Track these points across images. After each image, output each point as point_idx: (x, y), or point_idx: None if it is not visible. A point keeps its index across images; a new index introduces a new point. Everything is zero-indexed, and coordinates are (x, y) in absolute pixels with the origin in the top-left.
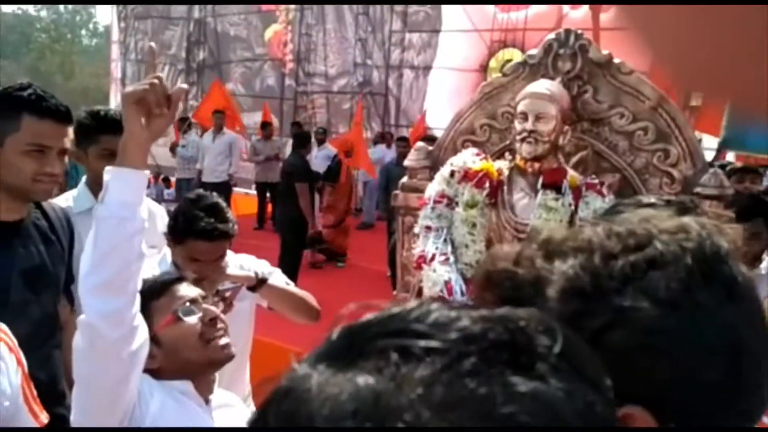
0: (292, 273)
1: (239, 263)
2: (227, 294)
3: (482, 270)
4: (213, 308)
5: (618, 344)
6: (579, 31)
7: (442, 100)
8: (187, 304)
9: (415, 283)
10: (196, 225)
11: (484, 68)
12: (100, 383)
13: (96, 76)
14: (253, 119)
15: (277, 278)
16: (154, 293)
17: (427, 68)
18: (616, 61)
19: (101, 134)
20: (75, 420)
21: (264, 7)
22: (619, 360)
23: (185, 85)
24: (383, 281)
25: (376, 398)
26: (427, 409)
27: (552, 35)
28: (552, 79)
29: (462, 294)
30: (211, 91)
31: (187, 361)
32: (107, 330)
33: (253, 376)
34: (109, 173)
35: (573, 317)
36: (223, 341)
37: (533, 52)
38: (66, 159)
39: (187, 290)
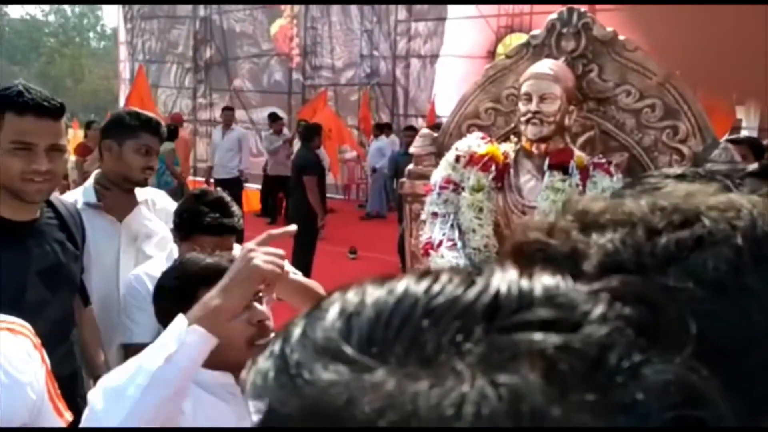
0: (305, 267)
1: None
2: (265, 300)
3: (512, 240)
4: (263, 309)
5: None
6: (582, 9)
7: (450, 88)
8: None
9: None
10: (201, 220)
11: (492, 54)
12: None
13: (105, 78)
14: (261, 115)
15: (286, 268)
16: (205, 279)
17: (435, 57)
18: (621, 38)
19: (142, 131)
20: None
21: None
22: None
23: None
24: (396, 272)
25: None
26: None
27: (555, 14)
28: (556, 59)
29: None
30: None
31: (229, 359)
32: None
33: None
34: (186, 330)
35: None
36: (267, 341)
37: (536, 32)
38: (71, 156)
39: None
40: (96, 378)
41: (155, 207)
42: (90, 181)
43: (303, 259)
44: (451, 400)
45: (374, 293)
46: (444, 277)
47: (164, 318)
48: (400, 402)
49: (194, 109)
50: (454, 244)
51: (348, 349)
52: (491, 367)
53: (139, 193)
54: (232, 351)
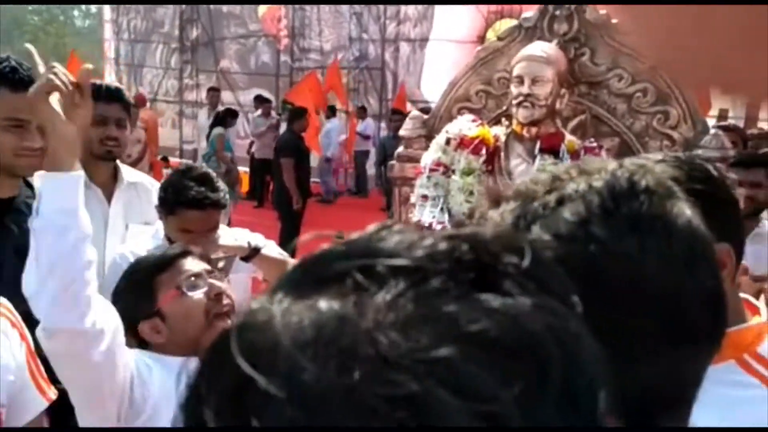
0: (291, 250)
1: (233, 236)
2: (220, 264)
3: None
4: (219, 283)
5: None
6: None
7: (439, 73)
8: (192, 278)
9: None
10: (186, 194)
11: (481, 39)
12: (79, 387)
13: (90, 58)
14: (248, 97)
15: (271, 249)
16: (159, 267)
17: (424, 41)
18: (614, 21)
19: (94, 100)
20: (78, 413)
21: None
22: None
23: (90, 65)
24: None
25: (340, 321)
26: (394, 330)
27: None
28: (548, 41)
29: None
30: None
31: (191, 338)
32: (68, 343)
33: None
34: (40, 179)
35: None
36: (229, 324)
37: (528, 14)
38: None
39: (192, 264)
40: None
41: (139, 188)
42: None
43: (289, 242)
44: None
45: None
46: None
47: (129, 321)
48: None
49: (180, 89)
50: (444, 228)
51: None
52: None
53: (128, 174)
54: (193, 325)
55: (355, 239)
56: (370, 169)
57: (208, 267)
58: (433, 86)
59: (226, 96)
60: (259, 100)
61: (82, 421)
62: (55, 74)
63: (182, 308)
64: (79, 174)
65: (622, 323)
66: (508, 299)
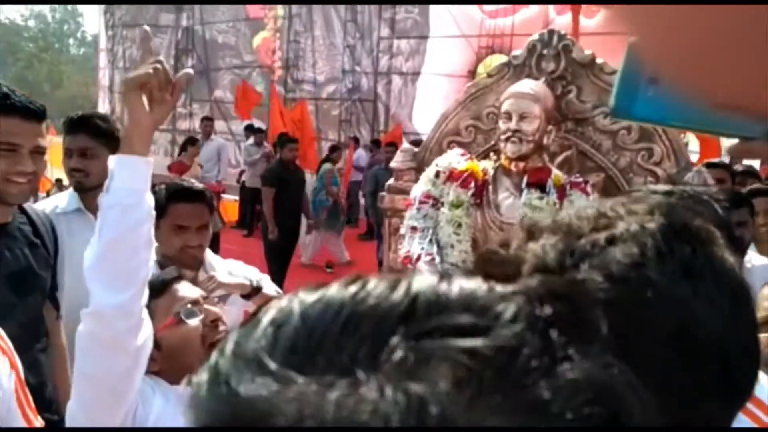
0: (278, 279)
1: (228, 269)
2: (215, 301)
3: (478, 252)
4: (215, 309)
5: None
6: (562, 32)
7: (431, 106)
8: (189, 305)
9: None
10: (173, 188)
11: (472, 74)
12: (104, 378)
13: (84, 85)
14: (241, 126)
15: (268, 286)
16: (154, 292)
17: (416, 74)
18: (599, 61)
19: (66, 133)
20: (73, 417)
21: (252, 14)
22: None
23: (191, 70)
24: None
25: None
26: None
27: (536, 35)
28: (536, 79)
29: None
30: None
31: (188, 365)
32: (115, 322)
33: None
34: (114, 161)
35: None
36: (220, 337)
37: (517, 52)
38: (46, 158)
39: (188, 290)
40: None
41: None
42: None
43: (276, 272)
44: (363, 409)
45: (304, 301)
46: (371, 283)
47: None
48: (316, 411)
49: (174, 118)
50: (433, 259)
51: (271, 363)
52: (403, 375)
53: None
54: (189, 353)
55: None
56: (362, 198)
57: (203, 292)
58: (424, 119)
59: (219, 125)
60: (250, 130)
61: None
62: (156, 70)
63: (179, 336)
64: (150, 160)
65: (670, 366)
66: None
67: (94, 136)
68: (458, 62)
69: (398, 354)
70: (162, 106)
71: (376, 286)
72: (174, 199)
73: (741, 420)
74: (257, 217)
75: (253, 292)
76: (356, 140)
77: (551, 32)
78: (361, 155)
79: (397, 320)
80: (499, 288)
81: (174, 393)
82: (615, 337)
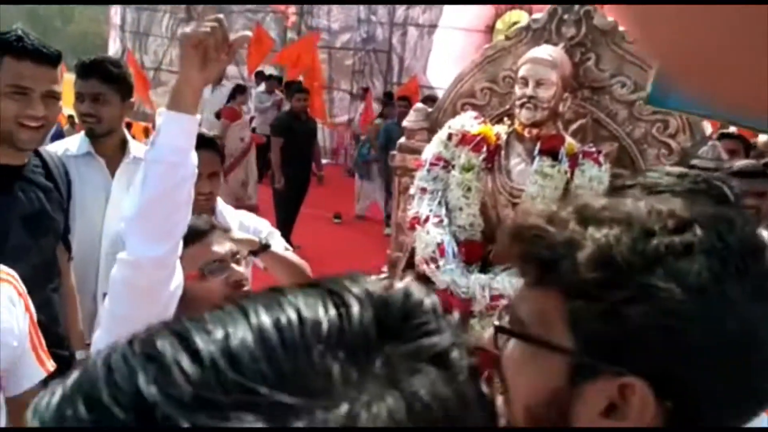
0: (286, 230)
1: (239, 220)
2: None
3: (512, 223)
4: (240, 269)
5: (637, 319)
6: None
7: (446, 60)
8: (216, 263)
9: (409, 244)
10: None
11: (490, 29)
12: (135, 321)
13: (96, 22)
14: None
15: (277, 243)
16: (185, 240)
17: (433, 26)
18: (621, 29)
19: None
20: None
21: None
22: (634, 334)
23: (249, 32)
24: (379, 239)
25: None
26: None
27: None
28: (555, 44)
29: (454, 256)
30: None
31: None
32: (151, 271)
33: None
34: (162, 116)
35: (596, 285)
36: None
37: (537, 16)
38: (60, 103)
39: (218, 245)
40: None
41: None
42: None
43: (284, 222)
44: None
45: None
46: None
47: None
48: None
49: None
50: (441, 221)
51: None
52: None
53: (137, 149)
54: (209, 306)
55: None
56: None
57: (234, 248)
58: (439, 72)
59: (231, 70)
60: (261, 76)
61: None
62: (214, 29)
63: (201, 290)
64: (197, 119)
65: (732, 376)
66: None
67: (105, 81)
68: (476, 16)
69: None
70: (215, 64)
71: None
72: None
73: None
74: (267, 165)
75: (261, 249)
76: (366, 91)
77: None
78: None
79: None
80: None
81: None
82: (687, 346)
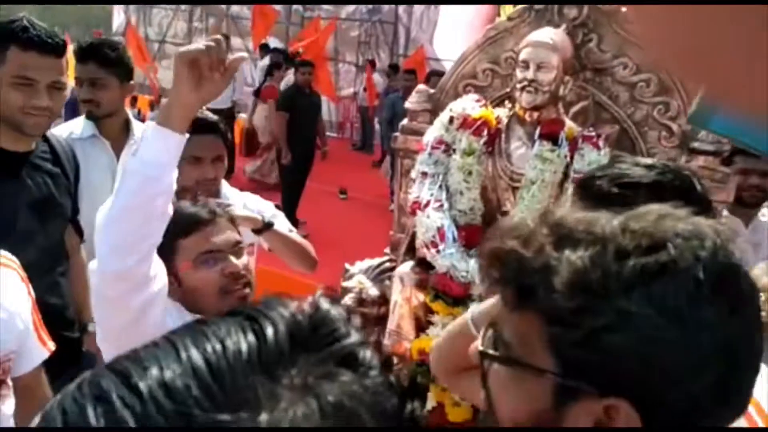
0: (290, 204)
1: (243, 201)
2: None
3: (490, 245)
4: (237, 261)
5: (616, 346)
6: None
7: (452, 31)
8: (207, 255)
9: (411, 226)
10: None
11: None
12: (111, 327)
13: None
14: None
15: (281, 223)
16: (184, 230)
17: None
18: (624, 10)
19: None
20: (103, 350)
21: None
22: (614, 360)
23: (245, 54)
24: (384, 215)
25: None
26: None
27: None
28: (557, 25)
29: (454, 240)
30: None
31: (203, 307)
32: (114, 284)
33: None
34: (149, 128)
35: (574, 312)
36: (241, 294)
37: None
38: (67, 93)
39: (217, 236)
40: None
41: None
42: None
43: (288, 196)
44: None
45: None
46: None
47: None
48: None
49: (189, 32)
50: (441, 205)
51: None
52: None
53: (140, 130)
54: (205, 298)
55: None
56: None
57: (235, 238)
58: (445, 43)
59: (236, 42)
60: (266, 49)
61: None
62: (209, 48)
63: (195, 281)
64: (183, 138)
65: (714, 392)
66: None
67: (102, 66)
68: None
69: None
70: (210, 84)
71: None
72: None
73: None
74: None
75: (264, 227)
76: (372, 63)
77: None
78: (377, 80)
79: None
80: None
81: (192, 320)
82: (662, 372)
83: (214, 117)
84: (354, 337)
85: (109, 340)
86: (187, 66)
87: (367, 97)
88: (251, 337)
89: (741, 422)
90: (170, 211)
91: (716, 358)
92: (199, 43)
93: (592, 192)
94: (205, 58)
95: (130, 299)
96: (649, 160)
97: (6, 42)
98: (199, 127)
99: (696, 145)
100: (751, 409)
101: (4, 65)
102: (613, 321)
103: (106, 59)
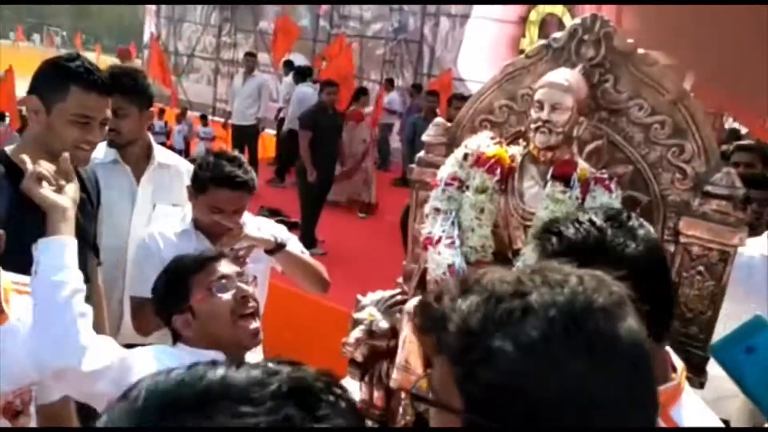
0: (309, 223)
1: (257, 225)
2: (241, 252)
3: (421, 298)
4: (246, 286)
5: (486, 379)
6: (605, 18)
7: (477, 52)
8: (222, 280)
9: (423, 259)
10: (219, 172)
11: (523, 20)
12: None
13: (132, 9)
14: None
15: (294, 245)
16: (196, 268)
17: (465, 17)
18: (641, 51)
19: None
20: None
21: None
22: (487, 391)
23: (66, 155)
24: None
25: None
26: None
27: (578, 20)
28: (574, 65)
29: None
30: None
31: (217, 336)
32: (71, 382)
33: (266, 317)
34: (37, 247)
35: (460, 351)
36: (253, 326)
37: (558, 35)
38: (106, 128)
39: (224, 267)
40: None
41: (171, 171)
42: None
43: (307, 215)
44: None
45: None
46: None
47: (164, 313)
48: None
49: (218, 47)
50: (452, 242)
51: None
52: None
53: (161, 156)
54: (219, 323)
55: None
56: (394, 143)
57: (239, 270)
58: (470, 64)
59: (263, 57)
60: (290, 66)
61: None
62: (41, 165)
63: (211, 307)
64: (71, 240)
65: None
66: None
67: (123, 95)
68: (509, 7)
69: None
70: (65, 188)
71: None
72: (216, 184)
73: None
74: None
75: (276, 248)
76: (390, 82)
77: (594, 17)
78: (395, 99)
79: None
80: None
81: (205, 357)
82: (525, 407)
83: (245, 176)
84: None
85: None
86: (37, 187)
87: (371, 122)
88: None
89: None
90: (86, 309)
91: (568, 394)
92: (29, 171)
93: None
94: (42, 176)
95: (95, 388)
96: (612, 210)
97: (66, 80)
98: (228, 183)
99: (709, 188)
100: None
101: (64, 103)
102: (483, 356)
103: (126, 89)
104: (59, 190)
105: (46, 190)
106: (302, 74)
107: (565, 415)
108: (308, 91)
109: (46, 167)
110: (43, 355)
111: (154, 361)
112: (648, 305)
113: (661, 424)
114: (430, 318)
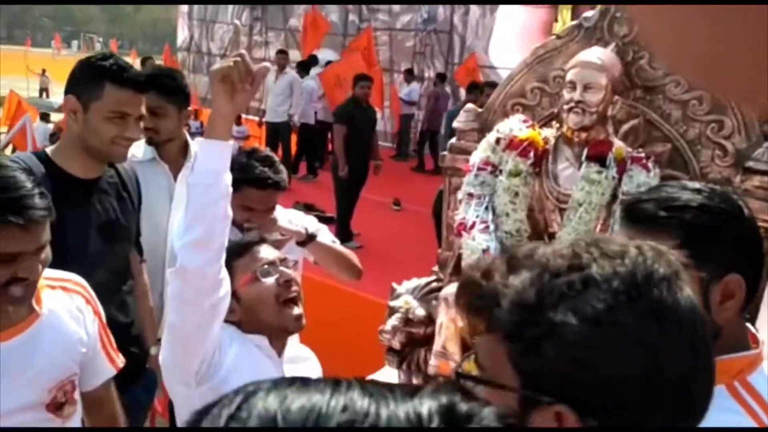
0: (344, 215)
1: (288, 218)
2: (290, 265)
3: (464, 276)
4: (289, 271)
5: (550, 353)
6: None
7: (509, 39)
8: (266, 266)
9: (458, 246)
10: (251, 173)
11: (555, 4)
12: (183, 328)
13: (165, 9)
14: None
15: (325, 236)
16: (238, 252)
17: (494, 5)
18: None
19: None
20: (163, 359)
21: None
22: (551, 366)
23: (268, 64)
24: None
25: None
26: None
27: None
28: (607, 43)
29: None
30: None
31: (262, 320)
32: (192, 281)
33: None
34: (198, 144)
35: (517, 326)
36: (296, 311)
37: (589, 14)
38: (141, 124)
39: (267, 252)
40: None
41: None
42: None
43: (342, 207)
44: None
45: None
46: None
47: None
48: None
49: (249, 46)
50: (486, 227)
51: None
52: None
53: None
54: (264, 308)
55: None
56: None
57: (281, 255)
58: (501, 51)
59: (294, 55)
60: (313, 61)
61: (167, 374)
62: (236, 63)
63: (255, 292)
64: (229, 144)
65: (642, 402)
66: None
67: (162, 95)
68: None
69: None
70: (242, 94)
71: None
72: (248, 183)
73: (736, 410)
74: (325, 151)
75: (308, 239)
76: (410, 72)
77: None
78: (414, 89)
79: None
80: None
81: (250, 342)
82: (591, 379)
83: (277, 177)
84: None
85: (177, 345)
86: (220, 81)
87: (391, 107)
88: None
89: (749, 422)
90: (230, 213)
91: (637, 360)
92: (227, 61)
93: (639, 215)
94: (234, 72)
95: (204, 299)
96: (697, 184)
97: (101, 79)
98: (259, 184)
99: (751, 164)
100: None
101: (100, 100)
102: (546, 331)
103: (165, 88)
104: (237, 93)
105: (225, 88)
106: (305, 68)
107: (632, 384)
108: (311, 84)
109: (242, 65)
110: (186, 249)
111: (232, 338)
112: (745, 278)
113: (739, 389)
114: (480, 296)
